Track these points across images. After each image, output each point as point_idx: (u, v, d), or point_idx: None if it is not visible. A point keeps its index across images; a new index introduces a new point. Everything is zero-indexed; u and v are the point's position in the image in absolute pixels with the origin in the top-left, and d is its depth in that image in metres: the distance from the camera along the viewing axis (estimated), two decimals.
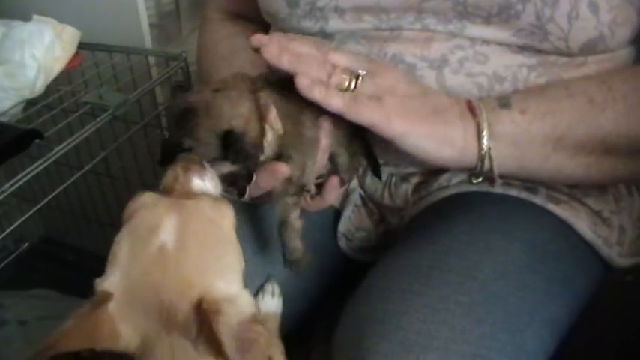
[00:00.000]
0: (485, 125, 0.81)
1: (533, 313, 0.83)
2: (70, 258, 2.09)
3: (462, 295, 0.79)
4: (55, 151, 1.21)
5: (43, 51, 1.38)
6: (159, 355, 0.61)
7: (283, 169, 0.80)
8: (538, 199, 0.92)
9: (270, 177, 0.81)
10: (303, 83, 0.78)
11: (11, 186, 1.13)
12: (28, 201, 1.57)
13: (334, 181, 0.88)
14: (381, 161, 0.92)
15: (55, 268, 2.07)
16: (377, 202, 1.04)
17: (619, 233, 0.95)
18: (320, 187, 0.88)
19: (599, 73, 0.87)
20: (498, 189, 0.93)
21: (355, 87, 0.80)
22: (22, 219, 1.30)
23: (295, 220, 0.84)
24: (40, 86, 1.38)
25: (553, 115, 0.82)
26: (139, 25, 1.62)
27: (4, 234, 1.30)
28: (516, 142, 0.83)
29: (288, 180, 0.81)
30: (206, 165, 0.75)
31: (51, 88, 1.42)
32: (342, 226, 1.05)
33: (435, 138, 0.82)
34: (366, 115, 0.79)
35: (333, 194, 0.88)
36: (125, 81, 1.52)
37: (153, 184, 1.47)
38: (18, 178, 1.14)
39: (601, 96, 0.82)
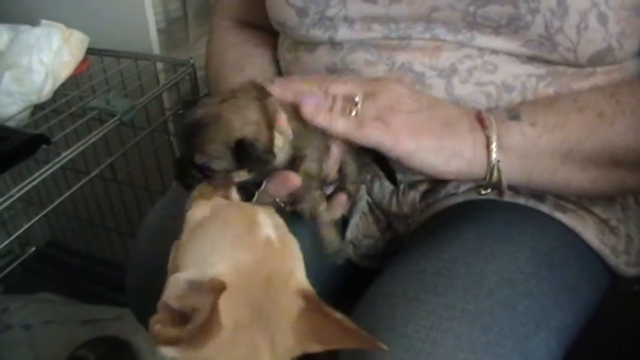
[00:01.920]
0: (494, 137, 0.81)
1: (539, 321, 0.82)
2: (76, 263, 2.09)
3: (468, 303, 0.79)
4: (62, 156, 1.21)
5: (50, 56, 1.38)
6: (234, 348, 0.60)
7: (295, 180, 0.81)
8: (545, 207, 0.92)
9: (282, 185, 0.81)
10: (307, 110, 0.80)
11: (18, 190, 1.13)
12: (35, 205, 1.58)
13: (342, 198, 0.88)
14: None
15: (60, 273, 2.07)
16: (384, 210, 1.04)
17: (626, 242, 0.95)
18: (328, 198, 0.88)
19: (607, 83, 0.87)
20: (506, 196, 0.92)
21: (357, 112, 0.81)
22: (29, 224, 1.31)
23: (325, 213, 0.85)
24: (47, 91, 1.38)
25: (562, 128, 0.82)
26: (147, 31, 1.62)
27: (11, 238, 1.31)
28: (525, 155, 0.82)
29: (308, 177, 0.82)
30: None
31: (58, 93, 1.42)
32: (349, 233, 1.05)
33: (444, 151, 0.81)
34: (373, 136, 0.80)
35: (340, 210, 0.88)
36: (133, 86, 1.52)
37: (159, 189, 1.48)
38: (25, 183, 1.15)
39: (610, 109, 0.82)
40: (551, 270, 0.87)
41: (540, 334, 0.81)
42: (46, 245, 2.17)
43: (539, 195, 0.92)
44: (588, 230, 0.92)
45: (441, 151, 0.81)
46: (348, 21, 0.92)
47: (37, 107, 1.39)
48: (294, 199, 0.84)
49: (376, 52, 0.91)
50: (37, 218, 1.31)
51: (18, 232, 1.32)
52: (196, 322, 0.57)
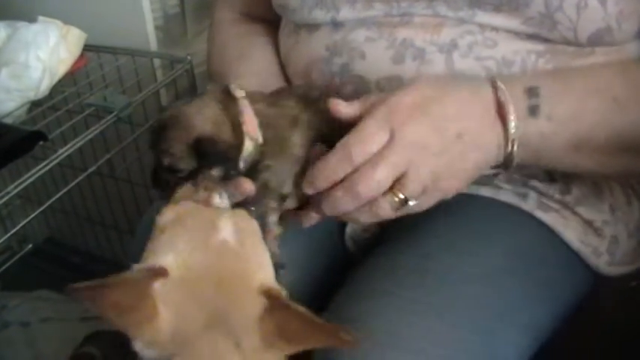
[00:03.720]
0: (515, 140, 0.79)
1: (508, 317, 0.83)
2: (74, 259, 2.09)
3: (434, 298, 0.80)
4: (59, 152, 1.21)
5: (48, 52, 1.38)
6: (196, 351, 0.61)
7: (247, 187, 0.79)
8: (527, 206, 0.92)
9: (234, 190, 0.79)
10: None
11: (16, 187, 1.13)
12: (32, 202, 1.58)
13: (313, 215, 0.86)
14: None
15: (58, 270, 2.07)
16: None
17: (610, 243, 0.95)
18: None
19: (607, 62, 0.87)
20: (487, 192, 0.93)
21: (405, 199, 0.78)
22: (27, 220, 1.31)
23: (273, 225, 0.83)
24: (44, 88, 1.38)
25: (578, 119, 0.81)
26: (145, 28, 1.62)
27: (8, 235, 1.30)
28: (539, 150, 0.81)
29: (265, 187, 0.81)
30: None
31: (55, 89, 1.42)
32: (350, 228, 1.05)
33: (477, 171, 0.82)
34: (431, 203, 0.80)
35: (310, 222, 0.87)
36: (130, 83, 1.52)
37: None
38: (22, 179, 1.15)
39: (625, 93, 0.81)
40: (524, 266, 0.88)
41: (509, 330, 0.82)
42: (44, 242, 2.17)
43: (523, 192, 0.92)
44: (569, 230, 0.92)
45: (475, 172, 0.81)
46: (350, 0, 0.92)
47: (34, 104, 1.39)
48: (245, 200, 0.82)
49: (377, 29, 0.91)
50: (34, 214, 1.31)
51: (15, 229, 1.32)
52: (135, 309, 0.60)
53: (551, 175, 0.95)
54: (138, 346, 0.61)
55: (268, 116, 0.82)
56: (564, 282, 0.92)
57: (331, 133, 0.80)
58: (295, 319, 0.61)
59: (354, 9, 0.92)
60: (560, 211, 0.92)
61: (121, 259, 1.86)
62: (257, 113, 0.81)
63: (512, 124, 0.77)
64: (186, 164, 0.78)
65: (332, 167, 0.76)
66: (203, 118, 0.78)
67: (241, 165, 0.80)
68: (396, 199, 0.76)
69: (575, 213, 0.93)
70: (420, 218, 0.93)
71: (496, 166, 0.82)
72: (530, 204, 0.91)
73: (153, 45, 1.65)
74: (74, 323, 1.87)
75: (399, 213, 0.77)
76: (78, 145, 1.25)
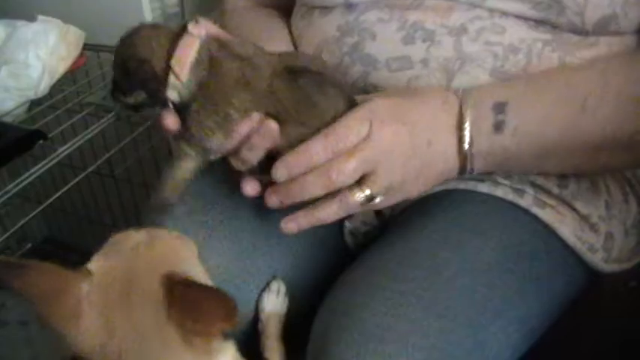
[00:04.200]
0: (473, 155, 0.84)
1: (499, 311, 0.83)
2: (73, 259, 2.08)
3: (424, 291, 0.80)
4: (58, 151, 1.21)
5: (47, 51, 1.38)
6: (120, 337, 0.63)
7: (167, 122, 0.82)
8: (524, 202, 0.92)
9: (159, 123, 0.83)
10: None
11: (15, 186, 1.13)
12: (31, 201, 1.57)
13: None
14: None
15: None
16: None
17: (606, 239, 0.95)
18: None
19: (608, 55, 0.88)
20: (484, 188, 0.93)
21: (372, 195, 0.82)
22: (26, 219, 1.30)
23: (179, 168, 0.84)
24: (44, 87, 1.38)
25: (543, 131, 0.83)
26: None
27: (8, 234, 1.30)
28: (502, 162, 0.85)
29: (188, 131, 0.82)
30: None
31: (55, 88, 1.42)
32: (349, 223, 1.05)
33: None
34: (392, 202, 0.85)
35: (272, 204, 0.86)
36: None
37: (155, 186, 1.47)
38: (22, 178, 1.15)
39: (596, 95, 0.82)
40: (517, 262, 0.88)
41: (498, 323, 0.83)
42: (43, 241, 2.17)
43: (519, 188, 0.92)
44: (565, 227, 0.92)
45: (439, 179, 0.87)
46: None
47: (34, 103, 1.39)
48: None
49: (389, 11, 0.92)
50: (33, 214, 1.31)
51: (14, 228, 1.31)
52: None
53: None
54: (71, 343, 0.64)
55: (224, 67, 0.81)
56: (559, 278, 0.92)
57: (283, 111, 0.81)
58: (193, 292, 0.63)
59: None
60: (557, 207, 0.92)
61: None
62: (213, 59, 0.81)
63: (466, 140, 0.83)
64: (122, 83, 0.84)
65: (314, 153, 0.79)
66: (148, 42, 0.81)
67: (172, 98, 0.82)
68: (364, 195, 0.80)
69: (572, 208, 0.93)
70: (415, 214, 0.94)
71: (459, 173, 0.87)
72: (527, 200, 0.91)
73: None
74: None
75: (363, 208, 0.82)
76: (77, 144, 1.25)
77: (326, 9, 0.97)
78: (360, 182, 0.80)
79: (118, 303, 0.64)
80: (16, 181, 1.14)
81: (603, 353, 1.08)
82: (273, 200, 0.82)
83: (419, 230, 0.90)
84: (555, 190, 0.92)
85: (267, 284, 0.95)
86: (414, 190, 0.84)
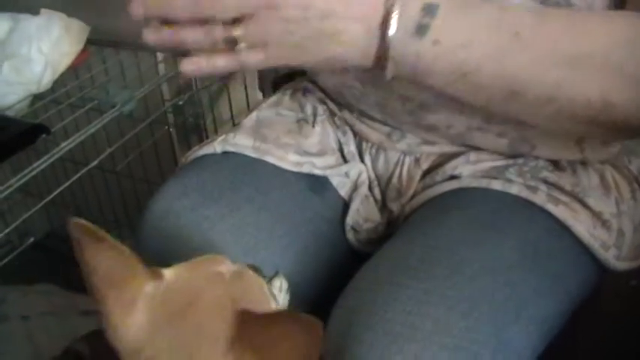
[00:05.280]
0: (392, 57, 0.76)
1: (520, 310, 0.82)
2: (74, 254, 2.09)
3: (447, 289, 0.79)
4: (61, 146, 1.21)
5: (50, 45, 1.38)
6: (160, 348, 0.62)
7: None
8: (537, 199, 0.91)
9: None
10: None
11: (17, 180, 1.13)
12: (33, 196, 1.58)
13: None
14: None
15: (59, 264, 2.07)
16: (384, 183, 1.04)
17: (617, 236, 0.94)
18: None
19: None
20: (497, 185, 0.93)
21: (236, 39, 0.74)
22: (28, 214, 1.30)
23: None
24: (46, 81, 1.38)
25: (468, 48, 0.76)
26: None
27: (9, 228, 1.30)
28: (415, 71, 0.78)
29: None
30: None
31: (58, 83, 1.42)
32: (350, 219, 1.05)
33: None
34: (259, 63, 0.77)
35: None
36: (132, 77, 1.51)
37: (158, 181, 1.48)
38: (24, 173, 1.14)
39: (529, 31, 0.77)
40: (535, 260, 0.87)
41: (520, 322, 0.82)
42: (45, 236, 2.17)
43: (533, 186, 0.92)
44: (579, 223, 0.92)
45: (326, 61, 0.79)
46: None
47: (36, 97, 1.39)
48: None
49: None
50: (35, 208, 1.31)
51: (16, 223, 1.31)
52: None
53: (559, 165, 0.95)
54: (109, 335, 0.62)
55: None
56: (573, 276, 0.92)
57: None
58: (266, 333, 0.59)
59: None
60: (570, 204, 0.92)
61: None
62: None
63: (389, 38, 0.75)
64: None
65: None
66: None
67: None
68: (230, 35, 0.73)
69: (584, 205, 0.93)
70: (431, 212, 0.94)
71: (364, 70, 0.79)
72: (540, 197, 0.91)
73: None
74: (74, 317, 1.87)
75: (228, 56, 0.75)
76: (80, 138, 1.25)
77: None
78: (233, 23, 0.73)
79: (174, 316, 0.62)
80: (19, 176, 1.13)
81: (604, 352, 1.08)
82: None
83: (436, 227, 0.89)
84: (568, 187, 0.92)
85: (270, 280, 0.95)
86: (293, 59, 0.77)
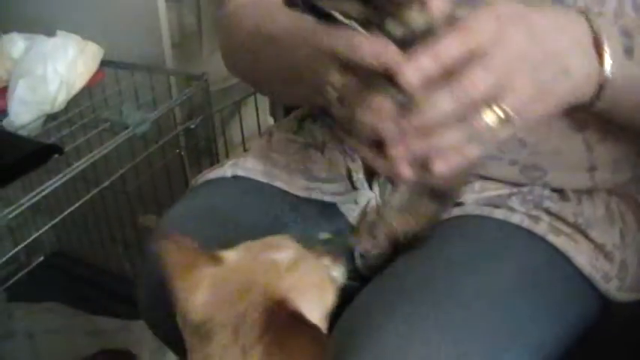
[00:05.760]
0: (608, 80, 0.74)
1: (515, 337, 0.82)
2: (83, 273, 2.09)
3: (441, 314, 0.79)
4: (74, 166, 1.22)
5: (65, 66, 1.39)
6: (207, 346, 0.68)
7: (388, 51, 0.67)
8: (539, 229, 0.91)
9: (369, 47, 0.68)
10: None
11: (29, 200, 1.13)
12: (43, 214, 1.58)
13: None
14: None
15: (66, 283, 2.07)
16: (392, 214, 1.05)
17: (620, 268, 0.94)
18: None
19: None
20: (500, 214, 0.93)
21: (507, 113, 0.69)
22: (38, 233, 1.31)
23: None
24: (61, 101, 1.39)
25: None
26: (161, 44, 1.63)
27: (19, 247, 1.31)
28: (622, 96, 0.77)
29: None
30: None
31: (72, 103, 1.43)
32: (359, 246, 1.05)
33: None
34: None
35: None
36: (145, 99, 1.53)
37: (169, 203, 1.49)
38: (36, 192, 1.15)
39: None
40: (533, 288, 0.87)
41: (514, 349, 0.82)
42: (53, 255, 2.17)
43: (535, 215, 0.92)
44: (580, 254, 0.92)
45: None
46: None
47: (50, 117, 1.40)
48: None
49: None
50: (45, 228, 1.31)
51: (27, 241, 1.32)
52: None
53: (564, 195, 0.95)
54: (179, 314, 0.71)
55: None
56: (573, 306, 0.92)
57: None
58: (294, 330, 0.66)
59: None
60: (572, 235, 0.92)
61: (129, 275, 1.86)
62: None
63: (608, 61, 0.73)
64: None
65: (446, 49, 0.66)
66: None
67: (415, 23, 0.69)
68: (498, 113, 0.68)
69: (586, 237, 0.92)
70: (431, 238, 0.94)
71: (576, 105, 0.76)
72: (542, 227, 0.91)
73: (169, 62, 1.66)
74: (80, 336, 1.87)
75: (497, 134, 0.69)
76: (93, 159, 1.26)
77: None
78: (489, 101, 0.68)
79: (231, 296, 0.69)
80: (30, 195, 1.14)
81: None
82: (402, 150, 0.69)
83: (436, 254, 0.89)
84: (571, 218, 0.92)
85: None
86: (539, 110, 0.72)
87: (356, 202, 1.04)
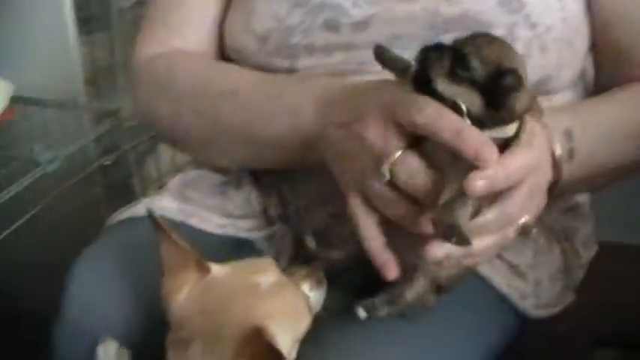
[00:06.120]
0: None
1: (434, 357, 0.83)
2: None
3: (359, 331, 0.81)
4: None
5: None
6: (193, 331, 0.72)
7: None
8: None
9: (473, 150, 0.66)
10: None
11: None
12: None
13: None
14: None
15: None
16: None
17: (534, 286, 0.97)
18: None
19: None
20: None
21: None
22: None
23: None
24: None
25: (595, 157, 0.87)
26: (74, 80, 1.61)
27: None
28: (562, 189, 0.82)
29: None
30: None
31: None
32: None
33: None
34: None
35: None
36: (58, 136, 1.50)
37: (82, 239, 1.45)
38: None
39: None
40: (454, 310, 0.87)
41: None
42: None
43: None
44: (498, 275, 0.94)
45: None
46: (310, 49, 0.92)
47: None
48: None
49: (331, 76, 0.89)
50: None
51: None
52: None
53: None
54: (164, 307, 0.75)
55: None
56: (492, 327, 0.93)
57: None
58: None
59: (313, 57, 0.92)
60: (490, 260, 0.94)
61: (46, 312, 1.81)
62: None
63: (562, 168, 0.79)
64: (462, 95, 0.66)
65: (514, 168, 0.68)
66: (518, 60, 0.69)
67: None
68: (520, 225, 0.75)
69: (501, 258, 0.95)
70: None
71: None
72: None
73: (82, 97, 1.63)
74: None
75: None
76: (4, 199, 1.23)
77: (267, 71, 0.94)
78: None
79: (209, 309, 0.72)
80: None
81: None
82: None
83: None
84: None
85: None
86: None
87: (272, 238, 1.04)
